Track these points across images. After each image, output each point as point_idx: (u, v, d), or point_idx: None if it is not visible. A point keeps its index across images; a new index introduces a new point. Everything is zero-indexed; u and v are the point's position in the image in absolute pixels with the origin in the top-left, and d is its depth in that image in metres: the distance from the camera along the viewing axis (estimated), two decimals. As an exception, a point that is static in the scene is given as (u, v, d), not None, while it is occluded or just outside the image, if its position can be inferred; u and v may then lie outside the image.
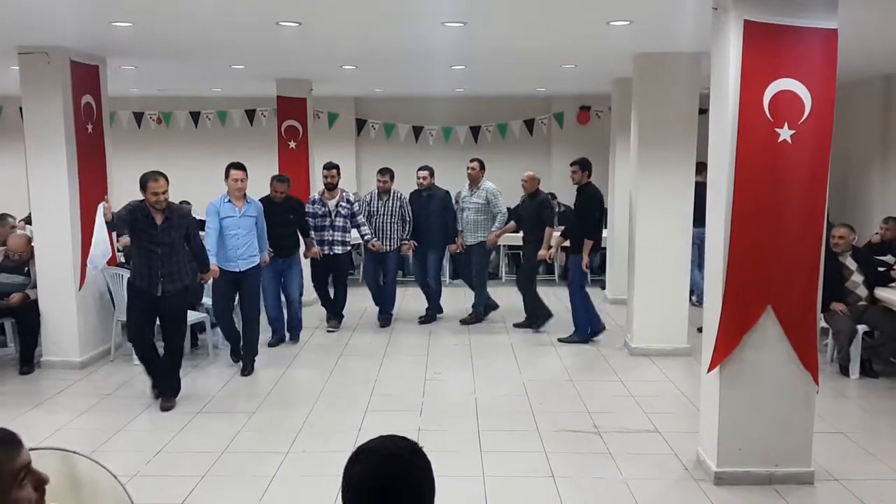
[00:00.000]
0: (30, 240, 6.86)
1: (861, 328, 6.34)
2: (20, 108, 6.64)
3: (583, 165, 7.28)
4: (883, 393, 6.05)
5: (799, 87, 4.01)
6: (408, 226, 8.20)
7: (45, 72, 6.39)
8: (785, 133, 4.03)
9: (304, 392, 6.06)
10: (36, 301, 6.66)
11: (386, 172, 8.21)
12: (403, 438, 1.67)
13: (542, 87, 11.00)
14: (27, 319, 6.60)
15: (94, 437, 5.00)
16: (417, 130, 12.50)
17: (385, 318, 8.36)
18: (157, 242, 5.38)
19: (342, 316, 8.21)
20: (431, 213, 8.25)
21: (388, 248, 8.11)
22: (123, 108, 12.16)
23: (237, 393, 6.05)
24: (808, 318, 4.20)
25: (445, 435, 5.12)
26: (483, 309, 8.44)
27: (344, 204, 7.85)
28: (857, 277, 6.62)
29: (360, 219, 7.95)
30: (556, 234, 7.92)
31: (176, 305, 5.58)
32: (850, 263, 6.65)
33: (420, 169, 8.44)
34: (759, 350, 4.23)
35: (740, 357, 4.23)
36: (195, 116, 12.54)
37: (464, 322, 8.34)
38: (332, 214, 7.81)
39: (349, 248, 8.10)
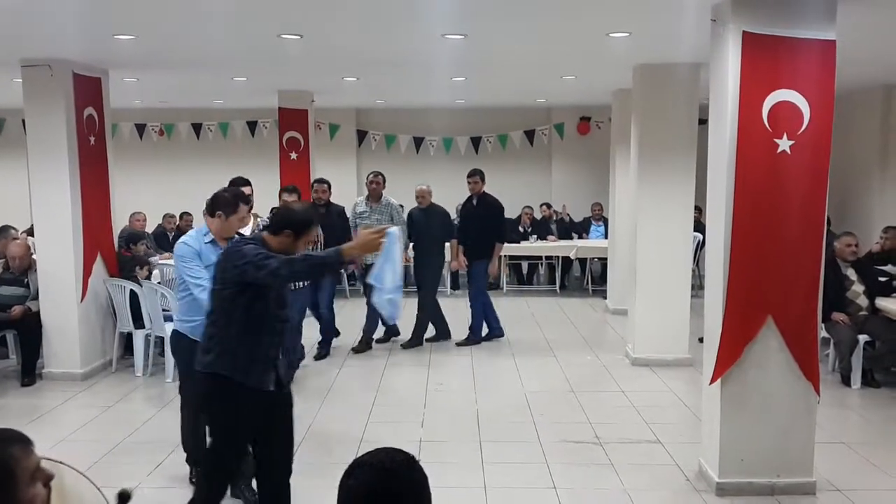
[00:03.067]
0: (29, 247, 6.87)
1: (862, 338, 6.34)
2: (23, 121, 6.69)
3: (482, 176, 7.83)
4: (884, 403, 6.04)
5: (798, 98, 4.03)
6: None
7: (48, 84, 6.42)
8: (784, 144, 4.04)
9: (306, 405, 6.05)
10: (38, 313, 6.66)
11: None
12: (400, 451, 1.65)
13: (542, 97, 11.04)
14: (29, 331, 6.60)
15: (95, 448, 5.00)
16: (418, 141, 12.53)
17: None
18: (285, 306, 3.50)
19: None
20: (329, 228, 6.97)
21: None
22: (126, 119, 12.21)
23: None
24: (808, 329, 4.20)
25: (447, 446, 5.12)
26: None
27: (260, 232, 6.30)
28: (858, 287, 6.62)
29: None
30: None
31: (290, 401, 3.60)
32: (851, 273, 6.66)
33: (316, 182, 7.71)
34: (760, 360, 4.23)
35: (742, 368, 4.23)
36: (197, 128, 12.59)
37: (405, 345, 7.83)
38: None
39: None
